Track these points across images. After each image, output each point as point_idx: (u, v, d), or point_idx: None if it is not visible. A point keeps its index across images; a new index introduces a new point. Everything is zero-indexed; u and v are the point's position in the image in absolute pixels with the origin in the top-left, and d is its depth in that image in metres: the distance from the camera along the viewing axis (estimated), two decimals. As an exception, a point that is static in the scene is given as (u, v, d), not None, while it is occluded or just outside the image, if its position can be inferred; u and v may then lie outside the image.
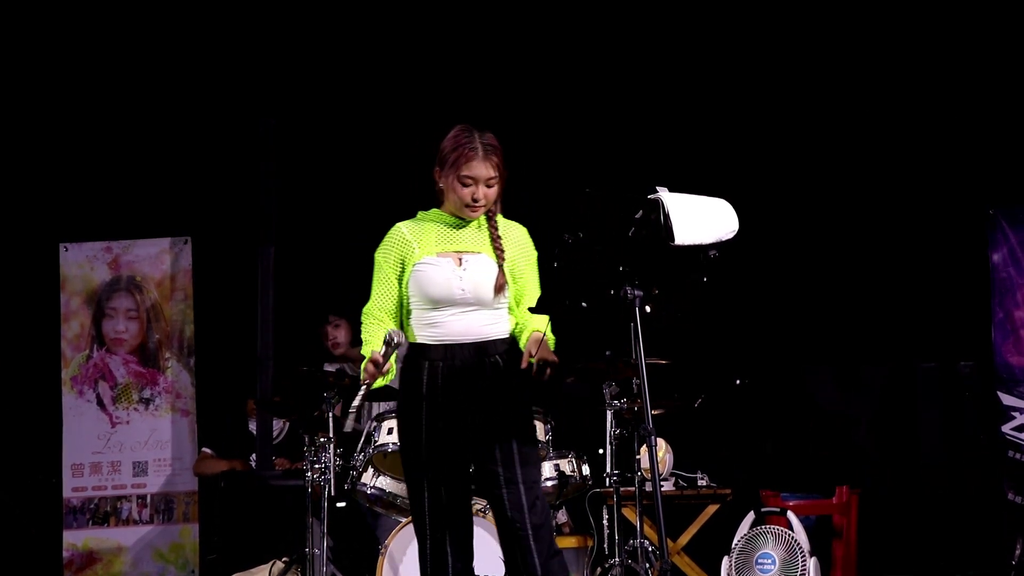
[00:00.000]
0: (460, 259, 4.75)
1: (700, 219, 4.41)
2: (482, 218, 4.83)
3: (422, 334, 4.79)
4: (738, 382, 7.91)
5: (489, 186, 4.76)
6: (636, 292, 4.42)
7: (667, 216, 4.35)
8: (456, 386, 4.74)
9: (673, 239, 4.36)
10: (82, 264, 8.48)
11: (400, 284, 4.81)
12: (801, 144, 8.61)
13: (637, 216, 4.34)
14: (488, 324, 4.76)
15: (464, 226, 4.82)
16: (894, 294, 8.63)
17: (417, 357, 4.79)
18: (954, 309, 8.44)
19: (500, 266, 4.76)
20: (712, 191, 4.57)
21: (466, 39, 8.45)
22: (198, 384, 8.42)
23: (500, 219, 4.88)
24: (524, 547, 4.69)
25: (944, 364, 8.81)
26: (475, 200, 4.75)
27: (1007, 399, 7.93)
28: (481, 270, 4.75)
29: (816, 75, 8.48)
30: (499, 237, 4.80)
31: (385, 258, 4.83)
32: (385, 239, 4.88)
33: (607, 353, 6.55)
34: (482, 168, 4.74)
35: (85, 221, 8.63)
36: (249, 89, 8.65)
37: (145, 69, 8.61)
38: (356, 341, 7.63)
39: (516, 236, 4.87)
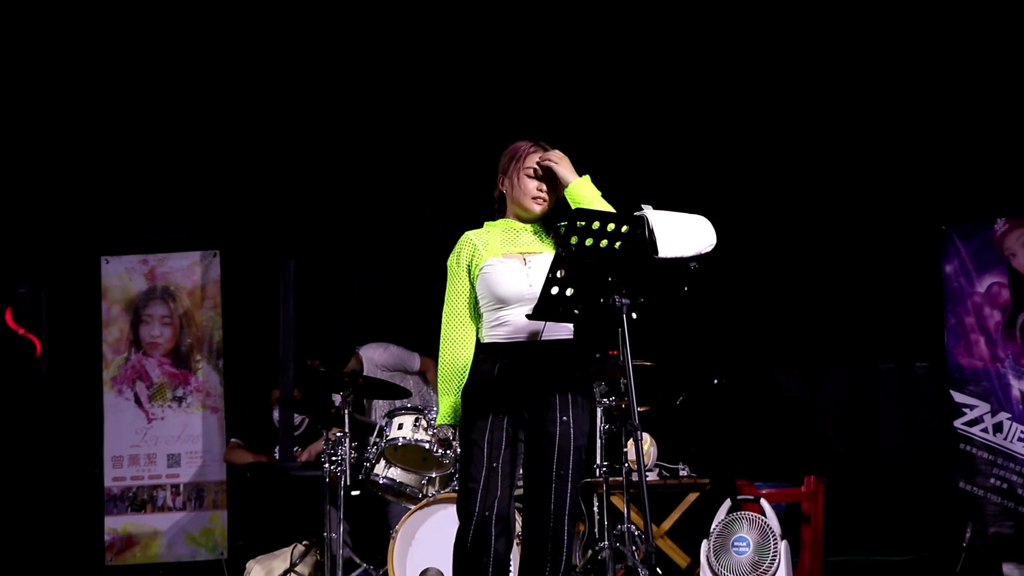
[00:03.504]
0: (525, 259, 4.56)
1: (682, 234, 4.39)
2: (541, 224, 4.68)
3: (491, 334, 4.57)
4: (715, 382, 7.88)
5: (551, 181, 4.63)
6: (624, 300, 4.36)
7: (651, 231, 4.32)
8: (526, 379, 4.50)
9: (657, 252, 4.32)
10: (121, 275, 8.55)
11: (471, 286, 4.62)
12: (772, 170, 8.65)
13: (624, 231, 4.28)
14: (560, 325, 4.54)
15: (527, 230, 4.65)
16: (857, 302, 8.69)
17: (488, 355, 4.55)
18: (911, 315, 8.50)
19: None
20: (692, 209, 4.55)
21: (470, 55, 8.44)
22: (226, 384, 8.46)
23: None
24: (558, 544, 4.49)
25: (902, 365, 8.87)
26: (540, 192, 4.61)
27: (958, 396, 7.99)
28: (545, 267, 4.46)
29: (789, 106, 8.50)
30: (557, 239, 4.60)
31: (457, 262, 4.63)
32: (456, 246, 4.69)
33: (597, 355, 6.45)
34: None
35: (124, 236, 8.72)
36: (273, 118, 8.70)
37: (185, 103, 8.71)
38: (332, 368, 7.52)
39: None
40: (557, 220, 4.69)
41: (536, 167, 4.60)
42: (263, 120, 8.64)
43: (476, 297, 4.62)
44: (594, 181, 4.61)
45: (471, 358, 4.60)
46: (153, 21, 8.32)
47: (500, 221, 4.68)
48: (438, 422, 4.67)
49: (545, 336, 4.52)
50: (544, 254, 4.57)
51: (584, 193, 4.55)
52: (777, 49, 8.31)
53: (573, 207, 4.52)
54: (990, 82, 8.05)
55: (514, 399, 4.51)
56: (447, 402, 4.60)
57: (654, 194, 4.68)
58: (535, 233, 4.64)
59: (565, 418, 4.51)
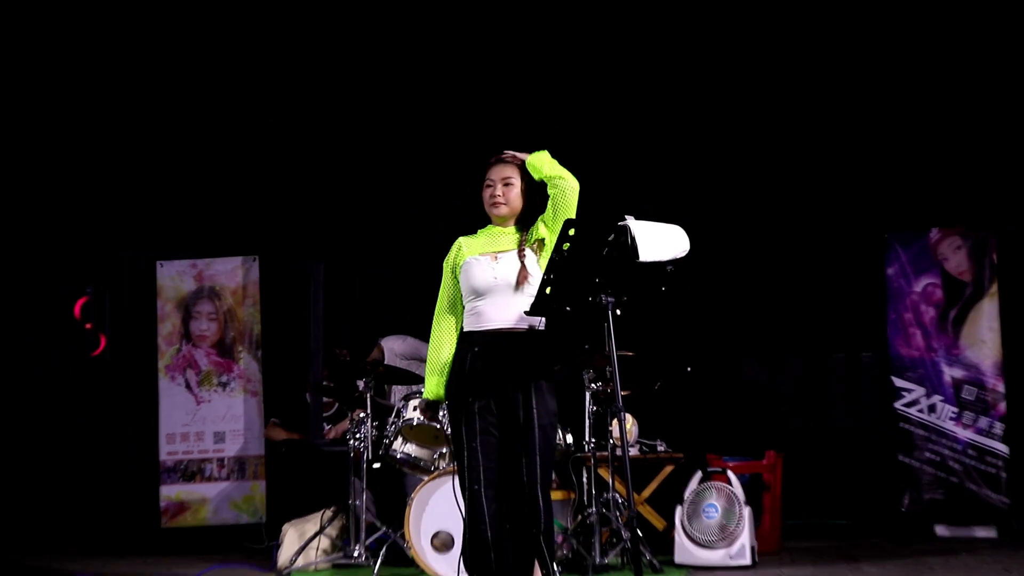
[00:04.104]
0: (495, 256, 4.72)
1: (659, 241, 4.44)
2: (517, 227, 4.82)
3: (468, 323, 4.74)
4: (688, 369, 7.84)
5: (507, 184, 4.76)
6: (609, 299, 4.46)
7: (633, 239, 4.38)
8: (492, 367, 4.64)
9: (638, 257, 4.38)
10: (173, 277, 8.64)
11: (455, 283, 4.82)
12: (739, 188, 8.81)
13: (609, 239, 4.39)
14: (522, 316, 4.62)
15: (504, 233, 4.80)
16: (811, 300, 8.88)
17: (464, 344, 4.73)
18: (858, 312, 8.75)
19: (523, 263, 4.68)
20: (669, 220, 4.58)
21: (469, 58, 8.49)
22: (264, 371, 8.54)
23: (541, 227, 4.78)
24: (535, 509, 4.58)
25: (850, 355, 9.03)
26: (494, 197, 4.76)
27: (898, 382, 8.18)
28: (511, 263, 4.69)
29: (753, 134, 8.63)
30: (524, 241, 4.75)
31: (445, 263, 4.88)
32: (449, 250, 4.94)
33: (586, 347, 6.67)
34: (496, 171, 4.79)
35: (176, 243, 8.86)
36: (305, 146, 8.86)
37: (231, 133, 8.91)
38: (356, 357, 7.73)
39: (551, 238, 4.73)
40: (538, 217, 4.80)
41: (489, 179, 4.77)
42: (286, 138, 8.75)
43: (460, 292, 4.81)
44: (582, 190, 4.66)
45: (454, 348, 4.77)
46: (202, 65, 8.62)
47: (488, 227, 4.87)
48: (423, 396, 4.89)
49: (513, 327, 4.63)
50: (512, 252, 4.72)
51: (542, 160, 4.70)
52: (745, 77, 8.54)
53: (535, 177, 4.70)
54: (927, 111, 8.25)
55: (486, 384, 4.64)
56: (430, 381, 4.79)
57: (635, 204, 4.84)
58: (510, 235, 4.79)
59: (531, 400, 4.60)
